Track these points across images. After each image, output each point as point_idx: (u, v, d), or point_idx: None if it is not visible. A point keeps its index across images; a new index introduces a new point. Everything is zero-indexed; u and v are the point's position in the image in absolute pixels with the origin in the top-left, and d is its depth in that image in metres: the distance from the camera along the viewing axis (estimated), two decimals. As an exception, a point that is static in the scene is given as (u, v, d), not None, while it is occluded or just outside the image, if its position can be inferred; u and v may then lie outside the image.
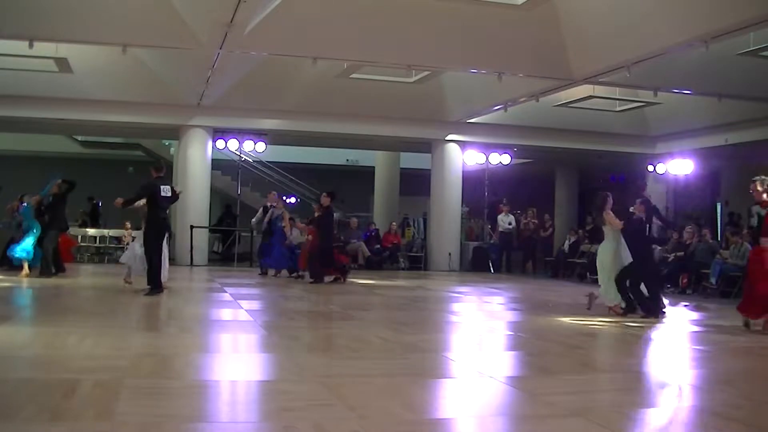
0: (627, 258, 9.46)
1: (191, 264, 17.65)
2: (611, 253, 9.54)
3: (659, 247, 11.09)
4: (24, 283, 11.92)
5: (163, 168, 10.94)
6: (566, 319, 8.97)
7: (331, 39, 12.77)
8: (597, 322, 8.76)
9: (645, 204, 10.07)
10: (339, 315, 9.19)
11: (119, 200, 10.35)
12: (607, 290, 9.54)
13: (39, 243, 12.78)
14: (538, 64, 13.57)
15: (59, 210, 13.08)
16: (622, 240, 9.54)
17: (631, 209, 9.89)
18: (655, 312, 9.23)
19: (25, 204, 13.18)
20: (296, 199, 18.03)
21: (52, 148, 23.60)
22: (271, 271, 15.49)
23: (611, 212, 9.49)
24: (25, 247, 12.77)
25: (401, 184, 23.85)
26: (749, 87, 14.57)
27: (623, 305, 9.41)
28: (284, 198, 15.88)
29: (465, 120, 19.39)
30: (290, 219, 15.27)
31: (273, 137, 19.37)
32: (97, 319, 7.85)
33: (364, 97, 17.50)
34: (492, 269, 20.01)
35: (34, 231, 12.81)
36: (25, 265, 12.75)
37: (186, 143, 18.54)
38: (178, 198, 11.09)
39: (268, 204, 15.67)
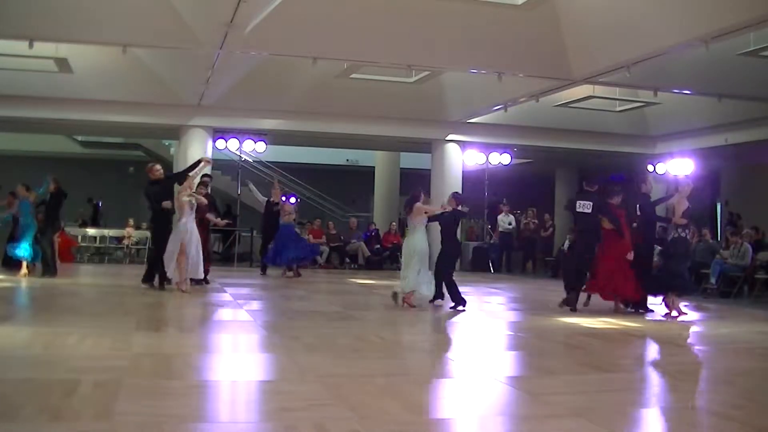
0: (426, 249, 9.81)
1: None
2: (414, 246, 9.71)
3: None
4: (24, 283, 11.92)
5: (156, 171, 11.09)
6: (566, 319, 8.97)
7: (331, 39, 12.76)
8: (597, 322, 8.76)
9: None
10: (339, 315, 9.18)
11: None
12: (405, 278, 9.75)
13: (35, 241, 12.76)
14: (538, 64, 13.57)
15: (56, 210, 13.05)
16: (425, 233, 9.89)
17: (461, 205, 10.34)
18: (461, 302, 9.69)
19: (23, 201, 13.02)
20: (296, 199, 18.04)
21: (52, 148, 23.59)
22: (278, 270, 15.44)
23: (422, 205, 9.84)
24: (25, 246, 12.75)
25: (401, 184, 23.81)
26: (749, 87, 14.57)
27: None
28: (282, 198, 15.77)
29: (465, 120, 19.38)
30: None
31: (273, 137, 19.37)
32: (97, 319, 7.84)
33: (364, 97, 17.50)
34: (492, 269, 20.00)
35: (32, 229, 12.78)
36: (24, 265, 12.74)
37: (186, 143, 18.53)
38: (164, 208, 11.01)
39: (272, 200, 15.42)
